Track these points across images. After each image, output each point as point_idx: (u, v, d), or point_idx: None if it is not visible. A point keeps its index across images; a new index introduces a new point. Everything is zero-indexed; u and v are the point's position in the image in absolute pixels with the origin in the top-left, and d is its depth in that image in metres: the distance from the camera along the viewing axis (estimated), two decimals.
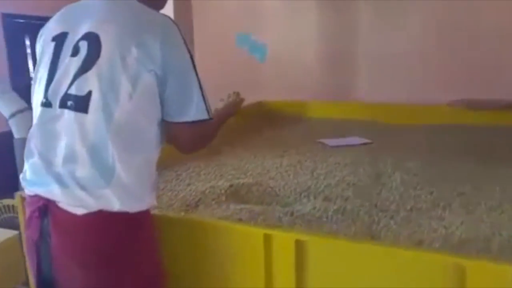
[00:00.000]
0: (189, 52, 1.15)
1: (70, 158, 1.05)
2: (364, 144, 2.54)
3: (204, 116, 1.16)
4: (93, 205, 1.03)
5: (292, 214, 1.49)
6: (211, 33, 4.03)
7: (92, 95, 1.05)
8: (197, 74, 1.15)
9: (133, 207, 1.08)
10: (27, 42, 4.17)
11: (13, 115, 2.65)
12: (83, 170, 1.04)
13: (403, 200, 1.62)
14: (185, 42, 1.14)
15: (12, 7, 3.94)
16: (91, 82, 1.06)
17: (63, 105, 1.08)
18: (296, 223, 1.42)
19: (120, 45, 1.06)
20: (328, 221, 1.45)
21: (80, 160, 1.05)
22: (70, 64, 1.09)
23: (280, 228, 1.24)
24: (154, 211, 1.25)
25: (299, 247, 1.13)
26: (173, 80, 1.11)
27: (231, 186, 1.75)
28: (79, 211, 1.04)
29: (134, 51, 1.05)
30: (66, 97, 1.07)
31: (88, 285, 1.06)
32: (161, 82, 1.10)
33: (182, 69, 1.13)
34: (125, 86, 1.05)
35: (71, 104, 1.07)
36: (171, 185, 1.79)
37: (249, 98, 3.52)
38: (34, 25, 4.06)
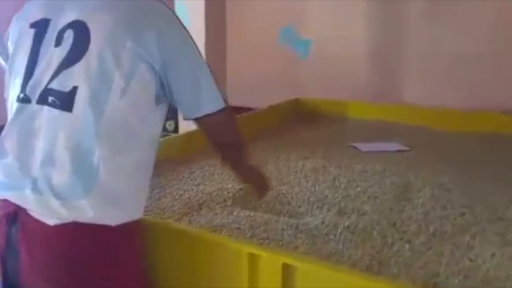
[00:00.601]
0: (191, 39, 1.05)
1: (49, 161, 0.95)
2: (401, 151, 2.34)
3: (220, 105, 1.07)
4: (66, 216, 0.93)
5: (296, 227, 1.36)
6: (248, 29, 3.93)
7: (78, 92, 0.95)
8: (204, 61, 1.06)
9: (115, 218, 0.96)
10: None
11: None
12: (62, 176, 0.93)
13: (427, 221, 1.45)
14: (186, 30, 1.04)
15: None
16: (77, 77, 0.95)
17: (43, 101, 0.97)
18: (299, 238, 1.30)
19: (113, 37, 0.96)
20: (335, 239, 1.31)
21: (60, 164, 0.94)
22: (53, 56, 0.98)
23: (267, 249, 1.11)
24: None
25: (287, 271, 1.01)
26: (177, 72, 1.01)
27: (240, 189, 1.65)
28: (51, 221, 0.93)
29: (129, 44, 0.95)
30: (46, 92, 0.97)
31: None
32: (163, 76, 1.00)
33: (186, 60, 1.03)
34: (117, 82, 0.95)
35: (52, 101, 0.96)
36: (180, 184, 1.72)
37: (287, 95, 3.41)
38: None
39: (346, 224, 1.39)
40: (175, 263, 1.21)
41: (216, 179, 1.79)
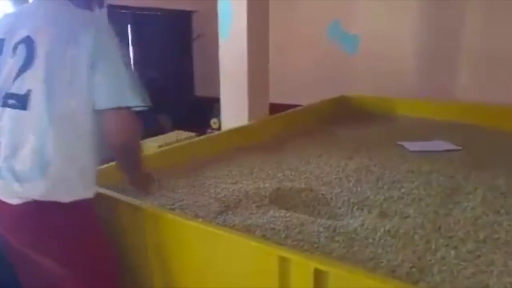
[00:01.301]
0: (119, 46, 1.21)
1: (11, 154, 1.14)
2: (450, 151, 2.21)
3: (117, 104, 1.16)
4: (24, 195, 1.12)
5: (334, 229, 1.31)
6: (294, 26, 3.87)
7: (32, 93, 1.13)
8: (123, 63, 1.19)
9: (67, 197, 1.14)
10: (129, 31, 4.38)
11: None
12: (23, 165, 1.12)
13: (477, 226, 1.34)
14: (115, 39, 1.21)
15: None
16: (29, 81, 1.14)
17: (4, 104, 1.16)
18: (335, 241, 1.24)
19: (57, 45, 1.15)
20: (374, 242, 1.25)
21: (21, 156, 1.13)
22: (12, 66, 1.17)
23: (298, 252, 1.07)
24: (178, 212, 1.18)
25: (319, 277, 0.96)
26: (102, 66, 1.16)
27: (278, 189, 1.61)
28: (13, 201, 1.12)
29: (70, 49, 1.14)
30: (7, 96, 1.16)
31: (43, 263, 1.18)
32: (93, 71, 1.15)
33: (111, 58, 1.18)
34: (64, 82, 1.13)
35: (12, 103, 1.15)
36: (218, 182, 1.71)
37: (333, 92, 3.33)
38: (137, 15, 4.27)
39: (387, 227, 1.32)
40: (205, 263, 1.20)
41: (254, 177, 1.76)
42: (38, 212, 1.13)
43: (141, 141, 1.35)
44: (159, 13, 4.35)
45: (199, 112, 4.43)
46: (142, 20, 4.23)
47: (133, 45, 4.34)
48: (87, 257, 1.20)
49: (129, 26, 4.18)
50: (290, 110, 2.72)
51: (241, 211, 1.45)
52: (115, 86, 1.17)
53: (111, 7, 4.07)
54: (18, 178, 1.11)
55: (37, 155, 1.11)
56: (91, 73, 1.14)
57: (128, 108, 1.18)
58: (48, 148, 1.11)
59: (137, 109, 1.20)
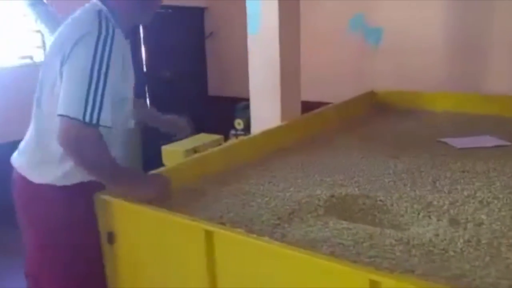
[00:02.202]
0: (96, 58, 1.22)
1: (25, 140, 1.46)
2: (501, 146, 2.07)
3: (67, 112, 1.20)
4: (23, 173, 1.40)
5: (407, 241, 1.18)
6: (319, 19, 3.72)
7: (42, 96, 1.37)
8: (92, 78, 1.21)
9: (38, 178, 1.38)
10: (141, 30, 4.23)
11: None
12: (24, 141, 1.46)
13: None
14: (96, 51, 1.22)
15: None
16: (42, 87, 1.37)
17: (36, 104, 1.40)
18: (412, 256, 1.11)
19: (51, 50, 1.35)
20: (457, 256, 1.12)
21: (27, 142, 1.45)
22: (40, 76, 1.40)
23: (389, 274, 0.93)
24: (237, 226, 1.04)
25: None
26: (65, 74, 1.24)
27: (332, 196, 1.48)
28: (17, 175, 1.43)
29: (57, 55, 1.27)
30: (37, 98, 1.40)
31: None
32: (60, 78, 1.26)
33: (75, 68, 1.23)
34: (49, 86, 1.32)
35: (37, 103, 1.41)
36: (263, 190, 1.58)
37: (360, 87, 3.19)
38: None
39: (466, 237, 1.19)
40: (267, 285, 1.07)
41: (300, 184, 1.63)
42: (19, 181, 1.42)
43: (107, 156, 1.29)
44: (170, 10, 4.21)
45: (215, 112, 4.29)
46: (153, 18, 4.09)
47: (144, 44, 4.20)
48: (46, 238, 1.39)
49: (140, 25, 4.04)
50: (323, 108, 2.58)
51: (297, 223, 1.32)
52: (66, 95, 1.22)
53: None
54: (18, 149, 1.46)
55: (28, 138, 1.42)
56: (60, 80, 1.26)
57: (74, 119, 1.19)
58: (33, 135, 1.40)
59: (89, 124, 1.21)
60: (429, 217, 1.35)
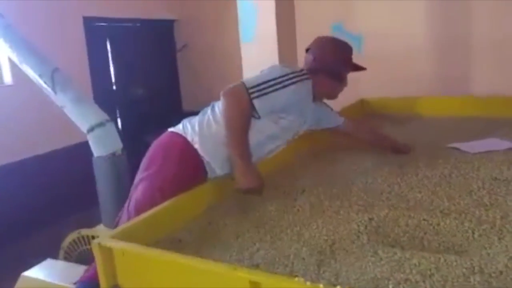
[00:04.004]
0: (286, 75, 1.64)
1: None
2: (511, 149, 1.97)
3: (249, 85, 1.58)
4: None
5: (480, 269, 1.01)
6: (299, 29, 3.59)
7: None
8: (275, 80, 1.61)
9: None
10: (108, 46, 3.94)
11: (91, 129, 2.22)
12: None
13: None
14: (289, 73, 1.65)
15: (94, 10, 3.71)
16: None
17: None
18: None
19: None
20: None
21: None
22: None
23: None
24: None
25: None
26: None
27: (371, 219, 1.30)
28: None
29: None
30: None
31: None
32: None
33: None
34: None
35: None
36: (290, 218, 1.37)
37: (347, 96, 3.05)
38: (115, 27, 3.83)
39: None
40: None
41: (328, 206, 1.44)
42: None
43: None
44: (138, 24, 3.96)
45: None
46: (121, 32, 3.83)
47: (113, 60, 3.92)
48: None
49: (107, 40, 3.77)
50: None
51: (343, 257, 1.12)
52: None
53: (86, 20, 3.66)
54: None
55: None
56: None
57: (243, 84, 1.59)
58: None
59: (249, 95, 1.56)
60: (487, 236, 1.19)
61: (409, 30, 3.30)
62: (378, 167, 1.80)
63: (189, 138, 1.60)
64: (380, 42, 3.36)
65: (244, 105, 1.53)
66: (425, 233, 1.25)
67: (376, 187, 1.58)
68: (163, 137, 1.67)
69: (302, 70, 1.74)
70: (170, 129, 1.68)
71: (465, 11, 3.12)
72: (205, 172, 1.60)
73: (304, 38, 3.53)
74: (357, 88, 3.29)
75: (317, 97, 1.81)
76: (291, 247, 1.18)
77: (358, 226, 1.26)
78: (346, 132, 2.05)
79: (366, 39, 3.45)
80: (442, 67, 3.25)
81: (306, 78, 1.68)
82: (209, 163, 1.58)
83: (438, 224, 1.27)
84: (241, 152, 1.49)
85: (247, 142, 1.52)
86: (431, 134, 2.42)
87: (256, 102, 1.54)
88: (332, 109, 2.01)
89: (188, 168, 1.56)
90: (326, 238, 1.21)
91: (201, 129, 1.61)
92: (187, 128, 1.63)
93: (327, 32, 3.49)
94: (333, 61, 1.79)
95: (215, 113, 1.64)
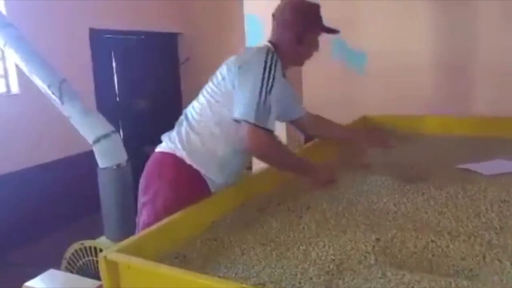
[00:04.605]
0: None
1: None
2: None
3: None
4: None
5: None
6: None
7: None
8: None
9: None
10: (113, 58, 3.93)
11: (97, 140, 2.23)
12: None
13: None
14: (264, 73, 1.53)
15: (100, 23, 3.71)
16: None
17: None
18: None
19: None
20: None
21: None
22: None
23: None
24: None
25: None
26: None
27: (378, 240, 1.27)
28: None
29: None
30: None
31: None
32: None
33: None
34: None
35: None
36: (294, 236, 1.35)
37: (351, 113, 3.05)
38: (120, 40, 3.84)
39: None
40: None
41: (334, 224, 1.42)
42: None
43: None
44: (142, 37, 3.98)
45: None
46: (125, 44, 3.84)
47: (117, 72, 3.92)
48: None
49: (112, 52, 3.78)
50: (317, 139, 2.38)
51: (351, 278, 1.10)
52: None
53: (92, 32, 3.67)
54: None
55: None
56: None
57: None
58: None
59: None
60: (499, 260, 1.16)
61: (412, 48, 3.32)
62: (383, 185, 1.77)
63: (177, 154, 1.58)
64: (383, 59, 3.38)
65: (270, 142, 1.51)
66: (433, 255, 1.23)
67: (382, 207, 1.56)
68: (152, 158, 1.66)
69: (267, 48, 1.59)
70: (157, 150, 1.67)
71: (469, 30, 3.14)
72: (204, 182, 1.59)
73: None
74: (359, 105, 3.32)
75: (285, 68, 1.70)
76: (298, 266, 1.16)
77: (366, 246, 1.24)
78: (308, 126, 2.06)
79: (369, 56, 3.47)
80: (445, 85, 3.26)
81: (276, 60, 1.54)
82: (205, 174, 1.58)
83: (447, 247, 1.25)
84: (302, 168, 1.68)
85: (296, 158, 1.69)
86: (434, 153, 2.40)
87: (269, 125, 1.50)
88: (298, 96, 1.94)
89: (186, 182, 1.56)
90: (333, 257, 1.19)
91: (182, 143, 1.59)
92: (170, 144, 1.62)
93: (328, 47, 3.55)
94: (293, 23, 1.65)
95: (189, 122, 1.63)
